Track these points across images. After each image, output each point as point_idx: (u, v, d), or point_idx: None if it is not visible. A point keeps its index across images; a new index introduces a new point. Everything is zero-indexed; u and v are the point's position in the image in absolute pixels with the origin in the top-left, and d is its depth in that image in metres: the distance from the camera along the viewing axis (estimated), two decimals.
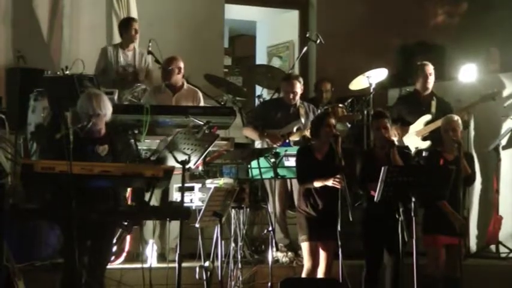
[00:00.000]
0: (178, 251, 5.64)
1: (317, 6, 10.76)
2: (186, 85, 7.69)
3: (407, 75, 9.13)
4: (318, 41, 8.92)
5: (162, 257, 6.97)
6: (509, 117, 8.42)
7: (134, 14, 8.94)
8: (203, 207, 5.91)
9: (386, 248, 6.31)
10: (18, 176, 5.38)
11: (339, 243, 6.06)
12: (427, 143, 7.91)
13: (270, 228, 6.42)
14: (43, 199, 5.43)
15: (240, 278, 6.70)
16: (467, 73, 8.75)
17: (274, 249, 6.67)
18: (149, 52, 8.18)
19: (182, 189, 5.74)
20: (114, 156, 5.64)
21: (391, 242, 6.01)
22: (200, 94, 7.73)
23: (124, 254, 6.82)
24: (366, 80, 8.67)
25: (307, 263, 6.36)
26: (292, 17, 11.02)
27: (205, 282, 5.93)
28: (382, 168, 5.76)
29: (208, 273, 5.94)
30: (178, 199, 5.95)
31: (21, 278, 5.63)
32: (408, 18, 10.43)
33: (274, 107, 7.77)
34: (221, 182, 6.91)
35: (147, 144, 6.95)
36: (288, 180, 7.38)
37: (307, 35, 9.32)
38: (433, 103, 8.01)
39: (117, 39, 8.60)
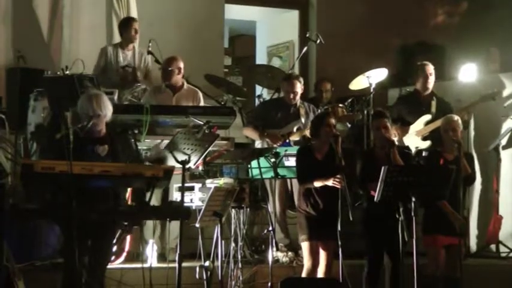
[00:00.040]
0: (178, 251, 5.65)
1: (317, 6, 10.76)
2: (186, 85, 7.69)
3: (407, 75, 9.13)
4: (318, 41, 8.92)
5: (162, 256, 6.97)
6: (509, 117, 8.42)
7: (134, 13, 8.94)
8: (203, 207, 5.91)
9: (386, 248, 6.31)
10: (18, 176, 5.38)
11: (339, 243, 6.06)
12: (427, 143, 7.91)
13: (270, 228, 6.42)
14: (43, 199, 5.42)
15: (240, 278, 6.70)
16: (467, 73, 8.75)
17: (275, 249, 6.67)
18: (149, 52, 8.18)
19: (182, 189, 5.75)
20: (114, 156, 5.63)
21: (391, 242, 6.01)
22: (200, 94, 7.73)
23: (124, 254, 6.82)
24: (366, 80, 8.66)
25: (307, 262, 6.36)
26: (292, 17, 11.02)
27: (205, 282, 5.93)
28: (382, 168, 5.76)
29: (209, 273, 5.94)
30: (179, 199, 5.95)
31: (21, 278, 5.63)
32: (408, 18, 10.43)
33: (275, 107, 7.77)
34: (221, 181, 6.91)
35: (147, 144, 6.95)
36: (288, 180, 7.38)
37: (307, 35, 9.32)
38: (433, 103, 8.01)
39: (117, 39, 8.60)
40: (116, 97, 7.33)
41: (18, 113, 7.30)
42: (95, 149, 5.62)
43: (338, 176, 6.12)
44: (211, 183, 6.92)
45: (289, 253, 7.28)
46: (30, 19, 8.97)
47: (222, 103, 8.13)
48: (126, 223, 5.72)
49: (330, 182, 6.17)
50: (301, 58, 9.67)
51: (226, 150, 7.19)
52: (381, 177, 5.74)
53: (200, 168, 7.12)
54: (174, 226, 6.64)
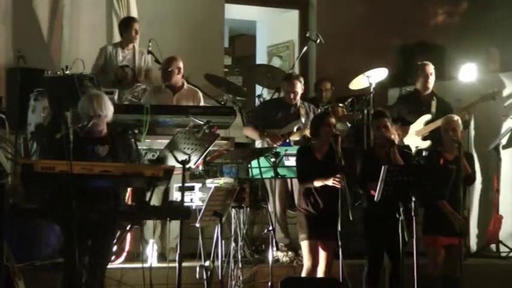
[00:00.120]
0: (178, 251, 5.64)
1: (317, 6, 10.76)
2: (186, 85, 7.69)
3: (407, 75, 9.13)
4: (318, 41, 8.93)
5: (162, 256, 6.97)
6: (509, 117, 8.42)
7: (134, 13, 8.94)
8: (203, 207, 5.91)
9: (386, 248, 6.31)
10: (19, 176, 5.38)
11: (339, 243, 6.06)
12: (427, 143, 7.91)
13: (270, 228, 6.41)
14: (43, 199, 5.42)
15: (241, 278, 6.70)
16: (467, 73, 8.74)
17: (275, 248, 6.67)
18: (149, 52, 8.18)
19: (182, 189, 5.74)
20: (114, 156, 5.63)
21: (391, 241, 6.01)
22: (200, 94, 7.73)
23: (124, 254, 6.81)
24: (366, 79, 8.66)
25: (307, 262, 6.36)
26: (292, 16, 11.02)
27: (205, 282, 5.93)
28: (382, 167, 5.76)
29: (209, 272, 5.94)
30: (179, 199, 5.95)
31: (21, 277, 5.63)
32: (408, 18, 10.43)
33: (275, 106, 7.77)
34: (221, 181, 6.91)
35: (147, 144, 6.95)
36: (289, 180, 7.38)
37: (307, 35, 9.33)
38: (433, 103, 8.01)
39: (117, 39, 8.60)
40: (116, 97, 7.33)
41: (18, 113, 7.30)
42: (95, 149, 5.62)
43: (338, 175, 6.12)
44: (211, 183, 6.92)
45: (290, 253, 7.28)
46: (30, 19, 8.96)
47: (222, 103, 8.13)
48: (125, 223, 5.73)
49: (330, 182, 6.17)
50: (301, 58, 9.67)
51: (227, 150, 7.19)
52: (381, 177, 5.74)
53: (200, 168, 7.12)
54: (174, 226, 6.64)
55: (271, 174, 6.94)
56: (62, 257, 5.81)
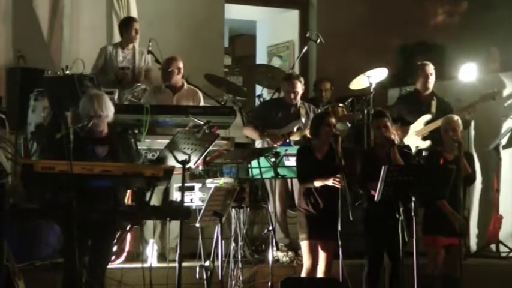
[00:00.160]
0: (178, 251, 5.64)
1: (317, 6, 10.76)
2: (186, 85, 7.69)
3: (407, 74, 9.13)
4: (318, 41, 8.93)
5: (162, 256, 6.96)
6: (509, 117, 8.42)
7: (134, 13, 8.94)
8: (203, 207, 5.91)
9: (386, 248, 6.31)
10: (19, 175, 5.38)
11: (339, 243, 6.06)
12: (427, 143, 7.91)
13: (270, 228, 6.41)
14: (43, 199, 5.42)
15: (241, 278, 6.70)
16: (468, 72, 8.74)
17: (275, 248, 6.67)
18: (149, 52, 8.18)
19: (182, 189, 5.74)
20: (114, 157, 5.63)
21: (391, 241, 6.01)
22: (200, 94, 7.73)
23: (124, 254, 6.81)
24: (366, 79, 8.66)
25: (306, 261, 6.36)
26: (292, 16, 11.02)
27: (205, 282, 5.93)
28: (383, 167, 5.76)
29: (209, 272, 5.94)
30: (179, 199, 5.95)
31: (21, 277, 5.63)
32: (408, 18, 10.43)
33: (275, 106, 7.77)
34: (221, 181, 6.91)
35: (147, 144, 6.95)
36: (289, 180, 7.38)
37: (307, 35, 9.32)
38: (433, 103, 8.00)
39: (117, 39, 8.59)
40: (116, 97, 7.33)
41: (18, 112, 7.30)
42: (95, 149, 5.62)
43: (338, 175, 6.12)
44: (211, 183, 6.92)
45: (290, 253, 7.28)
46: (30, 19, 8.97)
47: (222, 103, 8.12)
48: (125, 223, 5.73)
49: (330, 182, 6.17)
50: (301, 58, 9.67)
51: (227, 150, 7.19)
52: (381, 177, 5.74)
53: (200, 168, 7.12)
54: (174, 226, 6.64)
55: (271, 174, 6.94)
56: (62, 257, 5.81)
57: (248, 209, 6.92)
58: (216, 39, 10.11)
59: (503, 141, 8.43)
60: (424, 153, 7.73)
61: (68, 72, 6.99)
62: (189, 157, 5.73)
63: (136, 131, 6.78)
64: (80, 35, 9.15)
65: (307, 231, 6.32)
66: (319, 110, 7.81)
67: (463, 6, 10.46)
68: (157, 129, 7.15)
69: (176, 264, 5.64)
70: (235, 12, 10.91)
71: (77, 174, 5.18)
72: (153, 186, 5.51)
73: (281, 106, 7.69)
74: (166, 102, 7.46)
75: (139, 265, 6.06)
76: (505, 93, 8.49)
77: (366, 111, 8.66)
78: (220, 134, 6.79)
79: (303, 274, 6.41)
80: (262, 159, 6.85)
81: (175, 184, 6.58)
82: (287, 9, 11.11)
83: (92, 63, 8.10)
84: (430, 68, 8.03)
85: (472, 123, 8.43)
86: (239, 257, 6.72)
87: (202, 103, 7.66)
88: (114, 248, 5.94)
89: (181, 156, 5.72)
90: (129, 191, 5.93)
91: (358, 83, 8.79)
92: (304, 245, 6.36)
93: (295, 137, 7.54)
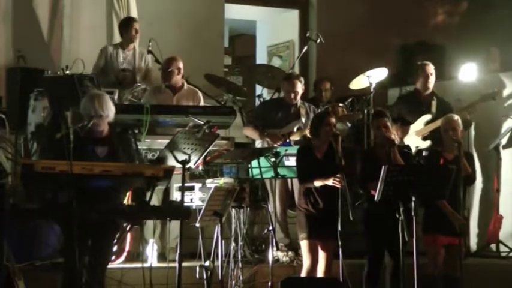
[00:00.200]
0: (178, 251, 5.65)
1: (317, 6, 10.76)
2: (186, 85, 7.69)
3: (407, 74, 9.13)
4: (318, 41, 8.93)
5: (162, 256, 6.96)
6: (509, 117, 8.41)
7: (134, 13, 8.94)
8: (203, 207, 5.91)
9: (386, 248, 6.31)
10: (19, 175, 5.38)
11: (339, 243, 6.06)
12: (427, 143, 7.91)
13: (270, 228, 6.42)
14: (43, 199, 5.42)
15: (241, 278, 6.70)
16: (468, 72, 8.74)
17: (275, 248, 6.67)
18: (149, 52, 8.18)
19: (182, 189, 5.75)
20: (114, 157, 5.63)
21: (391, 241, 6.01)
22: (200, 94, 7.73)
23: (124, 254, 6.81)
24: (366, 79, 8.66)
25: (306, 261, 6.36)
26: (292, 16, 11.02)
27: (205, 282, 5.93)
28: (383, 167, 5.76)
29: (209, 272, 5.94)
30: (179, 199, 5.95)
31: (21, 277, 5.63)
32: (408, 17, 10.43)
33: (275, 106, 7.77)
34: (221, 181, 6.91)
35: (147, 144, 6.95)
36: (289, 180, 7.38)
37: (307, 35, 9.33)
38: (434, 103, 8.00)
39: (117, 39, 8.59)
40: (116, 97, 7.33)
41: (18, 112, 7.30)
42: (95, 149, 5.62)
43: (338, 175, 6.12)
44: (211, 183, 6.91)
45: (290, 253, 7.27)
46: (30, 19, 8.97)
47: (222, 103, 8.12)
48: (121, 224, 5.73)
49: (330, 182, 6.16)
50: (302, 58, 9.67)
51: (227, 149, 7.19)
52: (381, 177, 5.74)
53: (200, 167, 7.11)
54: (174, 226, 6.64)
55: (271, 174, 6.94)
56: (62, 257, 5.81)
57: (248, 209, 6.92)
58: (216, 39, 10.11)
59: (503, 141, 8.43)
60: (424, 153, 7.73)
61: (68, 72, 7.00)
62: (189, 157, 5.74)
63: (136, 131, 6.78)
64: (80, 35, 9.15)
65: (307, 230, 6.32)
66: (319, 110, 7.80)
67: (463, 6, 10.46)
68: (157, 129, 7.16)
69: (176, 264, 5.65)
70: (235, 12, 10.91)
71: (77, 174, 5.18)
72: (153, 186, 5.51)
73: (281, 106, 7.69)
74: (167, 102, 7.46)
75: (139, 265, 6.06)
76: (505, 93, 8.49)
77: (366, 111, 8.66)
78: (220, 134, 6.80)
79: (303, 274, 6.40)
80: (262, 159, 6.85)
81: (175, 184, 6.58)
82: (287, 9, 11.11)
83: (92, 63, 8.10)
84: (430, 68, 8.03)
85: (472, 123, 8.43)
86: (239, 257, 6.72)
87: (202, 103, 7.66)
88: (114, 248, 5.94)
89: (181, 156, 5.72)
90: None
91: (358, 83, 8.79)
92: (303, 244, 6.36)
93: (295, 137, 7.54)
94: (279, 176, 6.97)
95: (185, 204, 6.05)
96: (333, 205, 6.13)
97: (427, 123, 7.93)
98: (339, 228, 6.06)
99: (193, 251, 6.63)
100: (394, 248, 5.97)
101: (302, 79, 7.64)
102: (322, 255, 6.33)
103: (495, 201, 8.33)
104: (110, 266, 5.96)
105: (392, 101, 9.10)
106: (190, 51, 9.02)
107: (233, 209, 6.71)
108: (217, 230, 6.08)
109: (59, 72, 7.23)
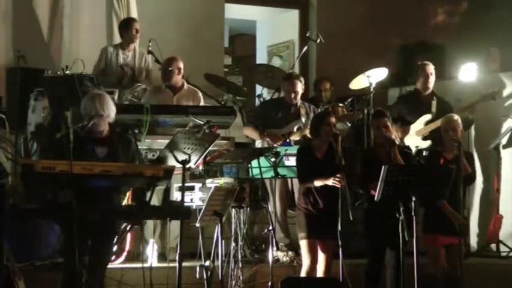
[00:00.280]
0: (178, 251, 5.64)
1: (317, 6, 10.76)
2: (186, 85, 7.69)
3: (407, 74, 9.14)
4: (318, 41, 8.93)
5: (162, 256, 6.96)
6: (509, 117, 8.42)
7: (134, 13, 8.94)
8: (203, 207, 5.92)
9: (386, 248, 6.31)
10: (19, 175, 5.38)
11: (339, 242, 6.06)
12: (427, 143, 7.91)
13: (271, 228, 6.42)
14: (43, 199, 5.42)
15: (241, 278, 6.70)
16: (468, 72, 8.74)
17: (275, 248, 6.67)
18: (149, 52, 8.18)
19: (182, 189, 5.75)
20: (114, 157, 5.62)
21: (391, 241, 6.01)
22: (200, 94, 7.74)
23: (124, 254, 6.81)
24: (366, 79, 8.66)
25: (306, 260, 6.36)
26: (292, 16, 11.02)
27: (205, 282, 5.93)
28: (383, 167, 5.76)
29: (209, 272, 5.95)
30: (179, 199, 5.95)
31: (21, 277, 5.63)
32: (408, 17, 10.43)
33: (275, 106, 7.77)
34: (221, 181, 6.91)
35: (147, 144, 6.95)
36: (289, 180, 7.38)
37: (308, 35, 9.33)
38: (434, 103, 8.01)
39: (117, 39, 8.59)
40: (116, 97, 7.33)
41: (18, 112, 7.30)
42: (95, 149, 5.62)
43: (338, 175, 6.12)
44: (211, 183, 6.92)
45: (290, 253, 7.27)
46: (30, 19, 8.97)
47: (222, 103, 8.12)
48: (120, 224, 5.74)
49: (330, 182, 6.17)
50: (302, 58, 9.67)
51: (227, 149, 7.19)
52: (381, 177, 5.73)
53: (200, 167, 7.12)
54: (174, 226, 6.64)
55: (271, 174, 6.94)
56: (62, 257, 5.81)
57: (248, 208, 6.91)
58: (216, 39, 10.11)
59: (503, 141, 8.43)
60: (424, 153, 7.74)
61: (68, 72, 7.00)
62: (189, 157, 5.74)
63: (137, 131, 6.78)
64: (80, 35, 9.15)
65: (307, 230, 6.32)
66: (319, 110, 7.80)
67: (463, 6, 10.46)
68: (157, 129, 7.15)
69: (176, 264, 5.64)
70: (235, 12, 10.91)
71: (77, 174, 5.18)
72: (153, 186, 5.50)
73: (281, 106, 7.69)
74: (167, 102, 7.46)
75: (139, 265, 6.05)
76: (505, 93, 8.49)
77: (366, 111, 8.65)
78: (220, 134, 6.79)
79: (302, 273, 6.40)
80: (262, 159, 6.85)
81: (176, 184, 6.58)
82: (287, 9, 11.11)
83: (92, 63, 8.10)
84: (431, 68, 8.03)
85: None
86: (239, 256, 6.72)
87: (202, 103, 7.66)
88: (114, 248, 5.94)
89: (182, 156, 5.72)
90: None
91: (358, 83, 8.79)
92: (303, 244, 6.36)
93: (295, 137, 7.54)
94: (279, 176, 6.97)
95: (185, 204, 6.04)
96: (333, 205, 6.13)
97: (427, 123, 7.94)
98: (339, 228, 6.06)
99: (193, 251, 6.63)
100: (394, 248, 5.96)
101: (302, 79, 7.64)
102: (321, 255, 6.33)
103: (495, 201, 8.34)
104: (110, 266, 5.96)
105: (392, 101, 9.10)
106: (190, 51, 9.02)
107: (233, 209, 6.71)
108: (217, 230, 6.08)
109: (59, 72, 7.23)
